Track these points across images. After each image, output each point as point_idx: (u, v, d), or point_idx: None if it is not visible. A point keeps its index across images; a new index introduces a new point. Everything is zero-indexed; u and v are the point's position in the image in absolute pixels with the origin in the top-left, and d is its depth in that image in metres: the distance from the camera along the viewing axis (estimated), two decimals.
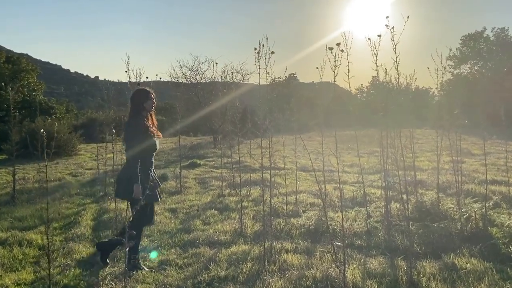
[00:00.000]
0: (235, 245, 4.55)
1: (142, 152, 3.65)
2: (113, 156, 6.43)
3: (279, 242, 4.55)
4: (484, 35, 41.33)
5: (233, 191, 7.56)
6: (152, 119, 3.97)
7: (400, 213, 5.15)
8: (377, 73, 4.52)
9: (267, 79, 4.21)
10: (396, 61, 3.73)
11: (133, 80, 6.61)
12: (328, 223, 4.71)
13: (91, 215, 6.22)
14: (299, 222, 5.31)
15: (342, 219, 3.65)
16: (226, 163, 11.08)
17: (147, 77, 7.56)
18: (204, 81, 17.82)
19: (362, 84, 58.98)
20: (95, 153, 7.59)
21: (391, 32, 3.65)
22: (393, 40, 3.63)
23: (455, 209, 5.15)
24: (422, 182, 7.45)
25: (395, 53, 3.67)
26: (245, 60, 27.29)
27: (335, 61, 3.41)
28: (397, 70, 3.81)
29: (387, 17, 3.67)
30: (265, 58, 3.97)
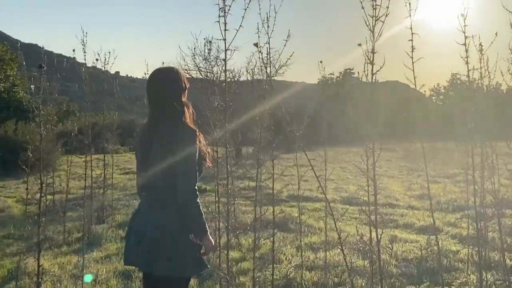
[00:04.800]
0: None
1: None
2: (104, 173, 6.08)
3: None
4: None
5: (234, 240, 6.14)
6: None
7: None
8: (466, 62, 3.83)
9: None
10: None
11: (90, 64, 6.24)
12: None
13: None
14: None
15: None
16: (242, 189, 10.42)
17: (145, 73, 7.04)
18: (226, 75, 17.20)
19: (438, 84, 56.94)
20: (96, 167, 7.25)
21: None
22: None
23: None
24: None
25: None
26: (279, 47, 26.72)
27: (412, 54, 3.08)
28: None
29: None
30: None
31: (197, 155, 2.54)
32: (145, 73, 6.63)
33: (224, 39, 3.45)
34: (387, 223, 7.44)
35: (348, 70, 53.90)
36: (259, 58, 3.79)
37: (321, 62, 4.61)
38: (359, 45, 3.16)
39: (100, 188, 7.07)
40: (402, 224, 7.48)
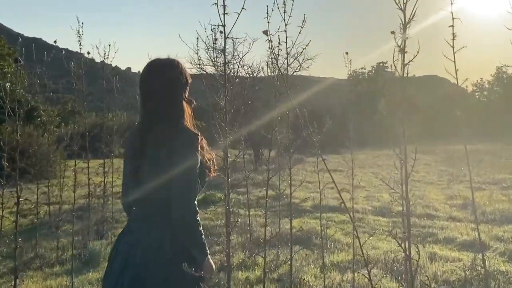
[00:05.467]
0: None
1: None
2: (104, 180, 5.75)
3: None
4: None
5: (249, 259, 5.90)
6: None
7: None
8: None
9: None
10: None
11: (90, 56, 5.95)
12: None
13: None
14: None
15: None
16: (260, 198, 9.92)
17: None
18: (243, 71, 16.54)
19: (481, 78, 55.52)
20: (95, 174, 6.96)
21: None
22: None
23: None
24: None
25: None
26: (303, 39, 25.98)
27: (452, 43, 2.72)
28: None
29: None
30: None
31: (198, 164, 2.25)
32: None
33: (223, 25, 3.00)
34: (425, 238, 7.04)
35: (381, 64, 52.70)
36: (269, 48, 3.38)
37: (346, 53, 4.15)
38: (392, 33, 2.73)
39: (100, 198, 6.78)
40: (442, 238, 7.04)
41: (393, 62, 2.41)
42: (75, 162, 5.55)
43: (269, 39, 2.90)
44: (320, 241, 6.31)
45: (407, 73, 2.41)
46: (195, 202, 2.23)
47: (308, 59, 18.04)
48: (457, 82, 3.06)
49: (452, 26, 2.74)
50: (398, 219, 8.12)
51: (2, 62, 28.64)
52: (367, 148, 27.63)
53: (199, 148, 2.28)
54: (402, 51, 2.31)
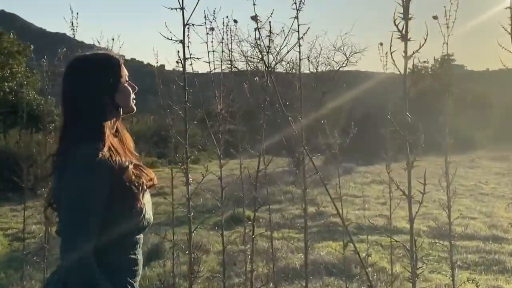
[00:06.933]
0: None
1: (112, 240, 1.94)
2: None
3: None
4: None
5: None
6: (122, 138, 2.13)
7: None
8: None
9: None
10: None
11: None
12: None
13: None
14: None
15: None
16: (296, 216, 9.48)
17: (191, 64, 6.46)
18: (282, 66, 15.98)
19: None
20: None
21: None
22: None
23: None
24: None
25: None
26: (350, 30, 24.36)
27: None
28: None
29: None
30: None
31: (97, 194, 1.83)
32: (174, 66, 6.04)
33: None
34: (490, 266, 6.58)
35: (446, 57, 50.84)
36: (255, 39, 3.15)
37: (381, 44, 3.79)
38: (435, 17, 2.45)
39: None
40: (510, 267, 6.57)
41: (390, 52, 2.03)
42: None
43: (258, 26, 2.63)
44: (360, 270, 6.02)
45: (413, 68, 2.07)
46: (84, 252, 1.76)
47: (355, 52, 17.41)
48: None
49: None
50: (461, 242, 7.60)
51: (12, 60, 27.48)
52: (431, 154, 26.81)
53: (102, 171, 1.86)
54: (404, 38, 1.92)
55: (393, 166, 3.62)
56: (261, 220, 9.34)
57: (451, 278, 3.97)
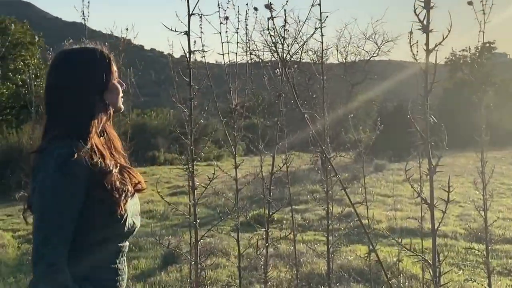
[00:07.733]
0: None
1: (92, 248, 1.96)
2: None
3: None
4: None
5: None
6: (109, 141, 2.14)
7: None
8: None
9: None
10: None
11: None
12: None
13: None
14: None
15: None
16: (323, 217, 8.80)
17: (203, 56, 6.44)
18: (308, 56, 15.83)
19: None
20: None
21: None
22: None
23: None
24: None
25: None
26: (382, 17, 23.98)
27: None
28: None
29: None
30: None
31: (70, 197, 1.79)
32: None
33: None
34: None
35: (487, 45, 49.93)
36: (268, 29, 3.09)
37: (410, 33, 3.64)
38: (469, 3, 2.39)
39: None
40: None
41: (410, 44, 1.97)
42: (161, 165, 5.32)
43: (272, 15, 2.55)
44: (390, 277, 5.93)
45: (435, 62, 2.00)
46: (55, 256, 1.72)
47: (388, 41, 17.19)
48: None
49: None
50: (501, 246, 7.46)
51: (24, 52, 27.45)
52: (469, 149, 26.51)
53: (80, 170, 1.81)
54: (426, 29, 1.80)
55: (425, 162, 3.53)
56: (284, 222, 9.34)
57: (487, 287, 3.92)
